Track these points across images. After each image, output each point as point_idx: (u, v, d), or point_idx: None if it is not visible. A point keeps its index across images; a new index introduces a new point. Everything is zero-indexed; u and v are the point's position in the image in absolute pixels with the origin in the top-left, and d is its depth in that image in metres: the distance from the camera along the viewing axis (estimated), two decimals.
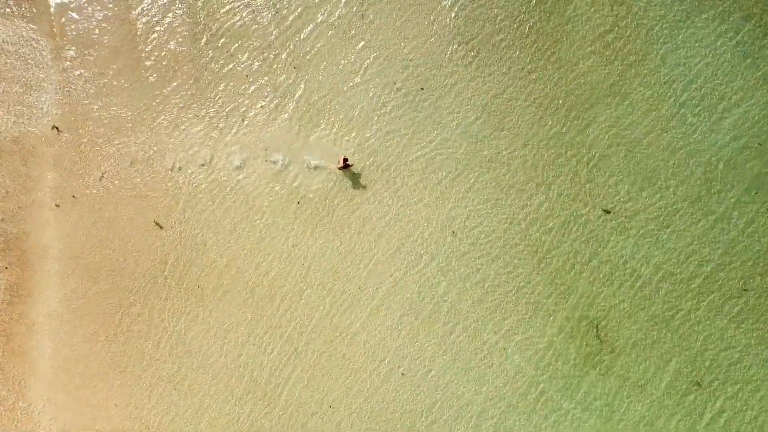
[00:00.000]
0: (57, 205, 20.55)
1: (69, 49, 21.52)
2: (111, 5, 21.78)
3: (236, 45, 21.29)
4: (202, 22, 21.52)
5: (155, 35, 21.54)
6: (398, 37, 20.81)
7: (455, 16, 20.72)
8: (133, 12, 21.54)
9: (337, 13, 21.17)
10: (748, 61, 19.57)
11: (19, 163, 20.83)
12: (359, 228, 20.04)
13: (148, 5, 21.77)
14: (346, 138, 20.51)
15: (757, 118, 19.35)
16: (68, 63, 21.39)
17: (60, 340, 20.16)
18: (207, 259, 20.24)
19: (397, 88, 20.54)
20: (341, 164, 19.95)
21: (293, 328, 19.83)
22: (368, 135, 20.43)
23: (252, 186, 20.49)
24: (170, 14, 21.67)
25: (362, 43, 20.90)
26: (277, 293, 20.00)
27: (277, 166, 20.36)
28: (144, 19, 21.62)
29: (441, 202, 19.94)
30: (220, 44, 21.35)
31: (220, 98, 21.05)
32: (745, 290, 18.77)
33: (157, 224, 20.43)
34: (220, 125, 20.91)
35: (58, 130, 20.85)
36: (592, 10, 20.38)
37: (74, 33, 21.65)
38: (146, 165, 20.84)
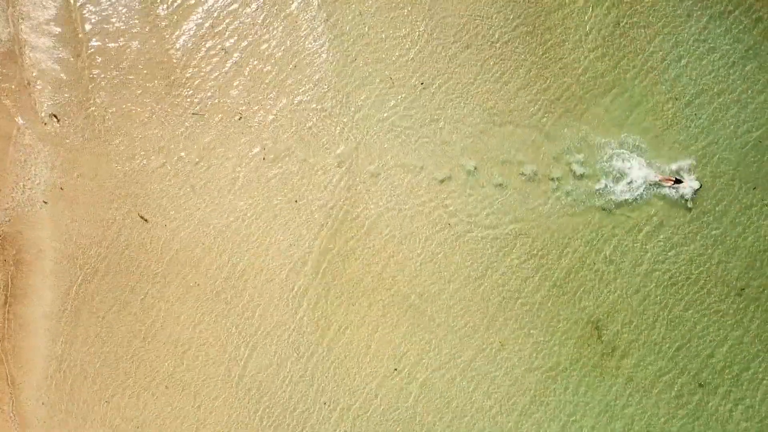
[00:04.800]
0: (45, 202, 20.45)
1: (69, 46, 21.35)
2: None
3: (243, 48, 21.15)
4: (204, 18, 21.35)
5: (166, 35, 21.36)
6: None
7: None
8: (153, 12, 21.38)
9: None
10: (749, 58, 19.59)
11: (14, 161, 20.73)
12: (360, 228, 20.01)
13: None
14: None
15: (757, 115, 19.38)
16: (68, 60, 21.26)
17: (54, 339, 20.08)
18: (203, 257, 20.17)
19: (392, 82, 20.50)
20: (672, 181, 19.11)
21: (293, 328, 19.79)
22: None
23: (249, 185, 20.41)
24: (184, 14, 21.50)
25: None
26: (276, 294, 19.94)
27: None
28: (155, 18, 21.46)
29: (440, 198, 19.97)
30: (226, 46, 21.21)
31: (219, 98, 20.95)
32: (743, 289, 18.84)
33: (143, 218, 20.33)
34: (219, 124, 20.82)
35: (57, 119, 20.69)
36: (593, 8, 20.32)
37: (78, 30, 21.48)
38: (145, 162, 20.72)
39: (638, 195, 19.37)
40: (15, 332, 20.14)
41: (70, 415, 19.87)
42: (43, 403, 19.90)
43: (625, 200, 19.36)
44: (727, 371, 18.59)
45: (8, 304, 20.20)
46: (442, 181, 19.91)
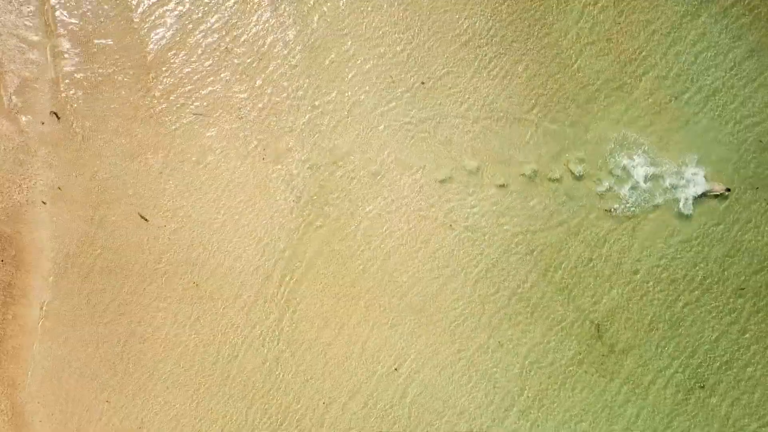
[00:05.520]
0: (44, 202, 20.36)
1: (64, 44, 21.24)
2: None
3: (239, 44, 21.08)
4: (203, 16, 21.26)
5: (159, 33, 21.25)
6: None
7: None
8: (139, 9, 21.30)
9: None
10: (750, 56, 19.61)
11: (12, 161, 20.63)
12: (358, 227, 19.99)
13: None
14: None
15: (758, 114, 19.41)
16: (65, 58, 21.14)
17: (54, 340, 20.00)
18: (202, 257, 20.13)
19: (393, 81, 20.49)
20: (722, 190, 19.07)
21: (290, 329, 19.78)
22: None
23: (248, 184, 20.37)
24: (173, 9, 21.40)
25: None
26: (274, 293, 19.93)
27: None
28: (147, 16, 21.36)
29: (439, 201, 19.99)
30: (222, 44, 21.14)
31: (217, 96, 20.86)
32: (742, 289, 18.89)
33: (143, 217, 20.27)
34: (218, 123, 20.74)
35: (57, 117, 20.59)
36: (594, 5, 20.32)
37: (72, 28, 21.35)
38: (142, 161, 20.62)
39: (641, 194, 19.38)
40: (14, 333, 20.07)
41: (69, 416, 19.81)
42: (42, 404, 19.84)
43: (627, 200, 19.41)
44: (724, 369, 18.67)
45: (7, 304, 20.11)
46: (442, 181, 19.93)
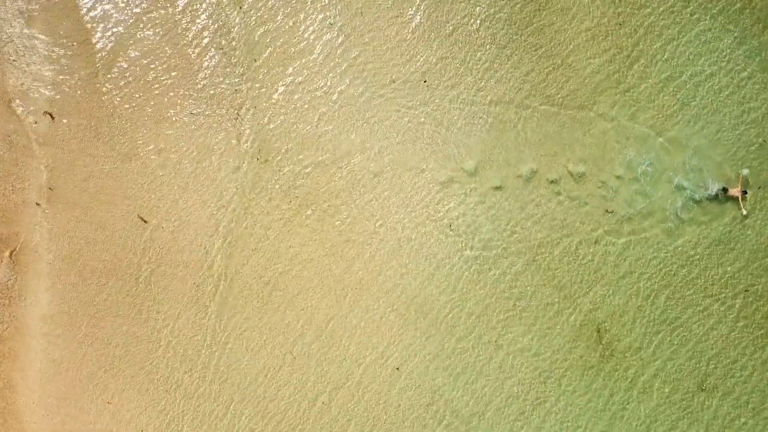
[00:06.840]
0: (38, 204, 20.28)
1: (61, 45, 21.07)
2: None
3: (237, 42, 20.94)
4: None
5: (151, 34, 21.09)
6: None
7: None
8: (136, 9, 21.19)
9: None
10: (750, 56, 19.63)
11: (9, 162, 20.51)
12: (355, 226, 19.94)
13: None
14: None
15: (759, 114, 19.44)
16: (62, 60, 20.97)
17: (51, 342, 19.97)
18: (201, 258, 20.08)
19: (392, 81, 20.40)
20: (739, 192, 18.82)
21: (289, 330, 19.77)
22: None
23: (247, 185, 20.30)
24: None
25: None
26: (273, 294, 19.92)
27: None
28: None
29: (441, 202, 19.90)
30: (221, 43, 21.01)
31: (216, 96, 20.70)
32: (746, 290, 18.96)
33: (142, 219, 20.21)
34: (217, 123, 20.61)
35: (51, 117, 20.47)
36: (594, 3, 20.28)
37: (66, 29, 21.18)
38: (143, 162, 20.51)
39: (641, 194, 19.40)
40: (11, 335, 20.04)
41: (68, 418, 19.81)
42: (38, 406, 19.83)
43: (628, 200, 19.43)
44: (721, 367, 18.75)
45: (4, 306, 20.08)
46: (442, 182, 19.91)
